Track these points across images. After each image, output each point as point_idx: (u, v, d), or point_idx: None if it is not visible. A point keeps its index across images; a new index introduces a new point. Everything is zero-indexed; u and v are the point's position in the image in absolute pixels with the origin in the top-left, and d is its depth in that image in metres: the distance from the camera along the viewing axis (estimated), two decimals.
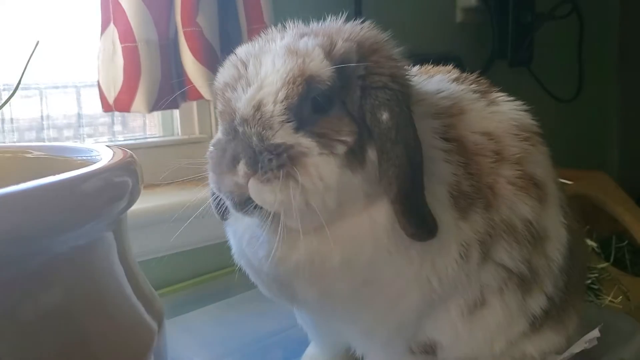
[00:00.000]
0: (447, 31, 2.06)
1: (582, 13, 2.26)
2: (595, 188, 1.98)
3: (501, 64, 2.08)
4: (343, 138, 0.69)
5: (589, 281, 1.56)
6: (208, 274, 1.40)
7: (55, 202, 0.49)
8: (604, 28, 2.73)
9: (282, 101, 0.67)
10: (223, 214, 0.82)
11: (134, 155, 0.67)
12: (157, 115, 1.54)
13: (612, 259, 1.78)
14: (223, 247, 0.88)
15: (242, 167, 0.66)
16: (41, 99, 1.39)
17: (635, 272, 1.82)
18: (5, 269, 0.48)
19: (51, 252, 0.52)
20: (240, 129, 0.68)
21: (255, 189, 0.66)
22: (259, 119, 0.67)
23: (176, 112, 1.53)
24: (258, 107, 0.67)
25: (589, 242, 1.72)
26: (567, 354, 0.85)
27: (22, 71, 0.88)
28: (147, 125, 1.57)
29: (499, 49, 2.08)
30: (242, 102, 0.68)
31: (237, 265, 0.85)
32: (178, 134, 1.53)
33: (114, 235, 0.61)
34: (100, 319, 0.57)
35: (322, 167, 0.67)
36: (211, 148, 0.73)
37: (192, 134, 1.53)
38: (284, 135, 0.67)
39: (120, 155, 0.64)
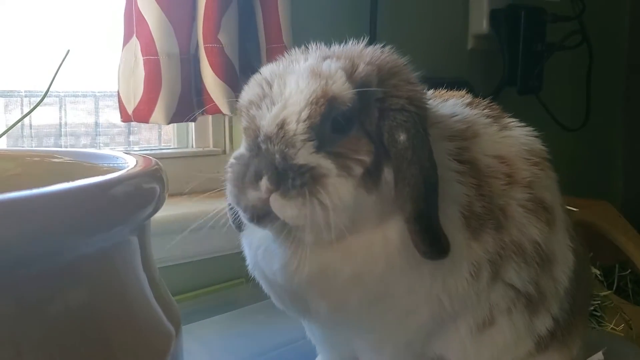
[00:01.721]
0: (458, 57, 2.10)
1: (592, 44, 2.30)
2: (598, 217, 2.01)
3: (510, 91, 2.11)
4: (361, 157, 0.71)
5: (592, 308, 1.58)
6: (217, 284, 1.42)
7: (86, 204, 0.51)
8: (612, 59, 2.77)
9: (304, 120, 0.69)
10: (239, 225, 0.84)
11: (160, 164, 0.69)
12: (172, 127, 1.57)
13: (614, 287, 1.80)
14: (233, 259, 0.90)
15: (264, 183, 0.68)
16: (60, 106, 1.43)
17: (638, 302, 1.84)
18: (34, 266, 0.49)
19: (79, 252, 0.53)
20: (264, 146, 0.70)
21: (279, 204, 0.68)
22: (282, 137, 0.69)
23: (191, 125, 1.56)
24: (282, 125, 0.70)
25: (593, 270, 1.74)
26: None
27: (51, 79, 0.91)
28: (161, 137, 1.60)
29: (508, 77, 2.11)
30: (267, 120, 0.71)
31: (247, 276, 0.87)
32: (192, 147, 1.56)
33: (138, 240, 0.63)
34: (122, 320, 0.59)
35: (340, 187, 0.69)
36: (233, 161, 0.75)
37: (206, 147, 1.56)
38: (305, 153, 0.69)
39: (147, 163, 0.67)
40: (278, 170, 0.68)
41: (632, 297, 1.87)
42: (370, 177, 0.72)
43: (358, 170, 0.71)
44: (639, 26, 2.88)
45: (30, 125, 1.40)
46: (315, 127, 0.70)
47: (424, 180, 0.70)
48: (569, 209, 1.03)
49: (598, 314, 1.58)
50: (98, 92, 1.48)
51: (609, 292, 1.69)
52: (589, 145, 2.65)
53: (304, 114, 0.69)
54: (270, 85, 0.73)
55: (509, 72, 2.09)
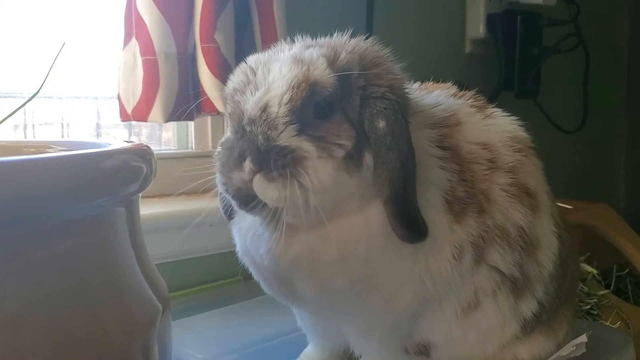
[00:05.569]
0: (455, 61, 2.12)
1: (588, 46, 2.32)
2: (598, 219, 2.01)
3: (508, 95, 2.13)
4: (342, 142, 0.74)
5: (588, 306, 1.58)
6: (213, 282, 1.44)
7: (75, 172, 0.55)
8: (610, 61, 2.79)
9: (286, 103, 0.72)
10: (230, 214, 0.86)
11: (150, 148, 0.72)
12: (172, 129, 1.60)
13: (612, 287, 1.80)
14: (228, 257, 0.91)
15: (248, 164, 0.71)
16: (62, 108, 1.46)
17: (637, 303, 1.84)
18: (22, 224, 0.53)
19: (66, 216, 0.57)
20: (248, 129, 0.72)
21: (260, 186, 0.71)
22: (265, 119, 0.72)
23: (191, 127, 1.59)
24: (264, 108, 0.72)
25: (590, 269, 1.74)
26: (554, 357, 0.88)
27: (46, 72, 0.94)
28: (162, 139, 1.63)
29: (505, 81, 2.13)
30: (250, 103, 0.73)
31: (244, 273, 0.88)
32: (192, 148, 1.59)
33: (125, 215, 0.66)
34: (107, 285, 0.62)
35: (320, 169, 0.72)
36: (219, 148, 0.77)
37: (206, 148, 1.59)
38: (287, 136, 0.72)
39: (138, 145, 0.69)
40: (261, 151, 0.70)
41: (633, 299, 1.87)
42: (352, 161, 0.74)
43: (339, 152, 0.73)
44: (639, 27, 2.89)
45: (33, 125, 1.43)
46: (297, 111, 0.72)
47: (401, 165, 0.73)
48: (563, 207, 1.04)
49: (595, 312, 1.58)
50: (100, 95, 1.52)
51: (607, 291, 1.70)
52: (588, 147, 2.66)
53: (286, 97, 0.72)
54: (254, 73, 0.76)
55: (506, 76, 2.11)
